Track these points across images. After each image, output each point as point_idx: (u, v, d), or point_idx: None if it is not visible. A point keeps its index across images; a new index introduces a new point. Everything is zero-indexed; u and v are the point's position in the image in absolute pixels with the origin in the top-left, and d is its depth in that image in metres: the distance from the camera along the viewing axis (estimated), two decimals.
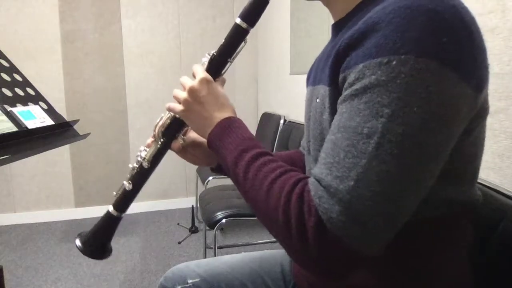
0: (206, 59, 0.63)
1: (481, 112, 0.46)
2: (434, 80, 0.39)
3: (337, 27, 0.59)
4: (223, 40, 0.62)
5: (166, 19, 2.85)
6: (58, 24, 2.65)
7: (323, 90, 0.53)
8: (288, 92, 2.39)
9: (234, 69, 3.04)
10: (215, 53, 0.62)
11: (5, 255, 2.24)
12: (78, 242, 0.68)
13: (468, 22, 0.42)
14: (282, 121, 2.33)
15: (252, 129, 2.96)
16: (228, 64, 0.63)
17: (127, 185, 0.67)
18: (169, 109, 0.64)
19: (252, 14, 0.60)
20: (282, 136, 2.24)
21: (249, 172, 0.50)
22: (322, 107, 0.54)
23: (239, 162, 0.52)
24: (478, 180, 0.69)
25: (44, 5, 2.61)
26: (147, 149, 0.68)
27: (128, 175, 0.68)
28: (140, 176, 0.68)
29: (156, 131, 0.67)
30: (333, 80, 0.48)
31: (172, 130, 0.67)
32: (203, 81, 0.59)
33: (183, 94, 0.60)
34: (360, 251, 0.40)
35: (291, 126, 2.16)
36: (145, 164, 0.66)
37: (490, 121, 0.82)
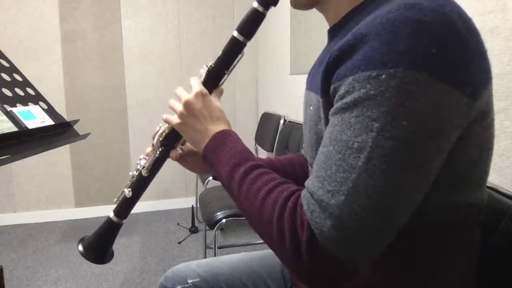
0: (204, 71, 0.64)
1: (481, 116, 0.46)
2: (423, 93, 0.39)
3: (332, 33, 0.60)
4: (221, 53, 0.63)
5: (166, 19, 2.85)
6: (58, 24, 2.65)
7: (316, 99, 0.54)
8: (288, 92, 2.39)
9: (234, 69, 3.04)
10: (212, 65, 0.64)
11: (5, 255, 2.24)
12: (80, 248, 0.70)
13: (461, 29, 0.41)
14: (282, 121, 2.33)
15: (252, 129, 2.96)
16: (226, 76, 0.65)
17: (127, 193, 0.69)
18: (166, 121, 0.65)
19: (249, 27, 0.61)
20: (282, 136, 2.24)
21: (243, 185, 0.51)
22: (316, 117, 0.54)
23: (234, 175, 0.53)
24: None
25: (44, 5, 2.61)
26: (147, 158, 0.69)
27: (128, 182, 0.70)
28: (140, 184, 0.69)
29: (155, 140, 0.68)
30: (325, 91, 0.48)
31: (170, 140, 0.68)
32: (198, 94, 0.60)
33: (179, 107, 0.61)
34: (351, 263, 0.41)
35: (291, 126, 2.16)
36: (144, 173, 0.68)
37: None
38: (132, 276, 1.99)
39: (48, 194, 2.78)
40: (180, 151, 0.69)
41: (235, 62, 0.64)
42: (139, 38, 2.82)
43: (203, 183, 2.30)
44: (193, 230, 2.52)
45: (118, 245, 2.33)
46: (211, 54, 2.93)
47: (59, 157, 2.75)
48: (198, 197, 2.14)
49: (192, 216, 2.52)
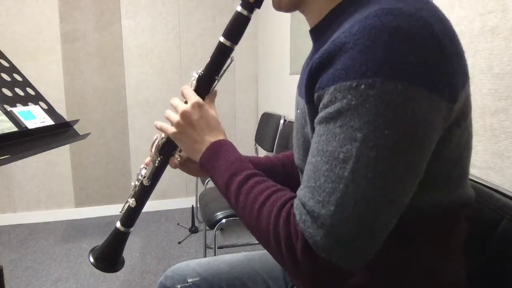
0: (194, 78, 0.65)
1: (460, 117, 0.47)
2: (402, 100, 0.39)
3: (314, 34, 0.60)
4: (209, 59, 0.64)
5: (166, 19, 2.85)
6: (58, 24, 2.65)
7: (302, 104, 0.55)
8: (288, 92, 2.39)
9: (234, 69, 3.04)
10: (202, 72, 0.65)
11: (5, 255, 2.24)
12: (91, 259, 0.71)
13: (438, 33, 0.42)
14: (282, 121, 2.33)
15: (252, 129, 2.96)
16: (216, 81, 0.65)
17: (131, 202, 0.70)
18: (161, 129, 0.66)
19: (235, 32, 0.62)
20: (282, 136, 2.24)
21: (240, 196, 0.53)
22: (303, 121, 0.56)
23: (230, 186, 0.54)
24: (478, 180, 0.69)
25: (44, 5, 2.61)
26: (146, 167, 0.70)
27: (132, 192, 0.71)
28: (142, 193, 0.70)
29: (153, 150, 0.69)
30: (309, 98, 0.49)
31: (168, 149, 0.69)
32: (195, 105, 0.61)
33: (176, 117, 0.62)
34: (346, 269, 0.42)
35: (291, 126, 2.16)
36: (146, 182, 0.69)
37: (490, 121, 0.82)
38: (132, 276, 1.99)
39: (48, 194, 2.78)
40: (179, 159, 0.70)
41: (224, 67, 0.65)
42: (139, 38, 2.82)
43: (203, 183, 2.30)
44: (193, 230, 2.52)
45: None
46: (211, 54, 2.92)
47: (59, 157, 2.75)
48: (198, 197, 2.14)
49: (192, 216, 2.52)
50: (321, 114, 0.45)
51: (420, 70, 0.40)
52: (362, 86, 0.40)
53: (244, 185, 0.53)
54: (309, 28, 0.61)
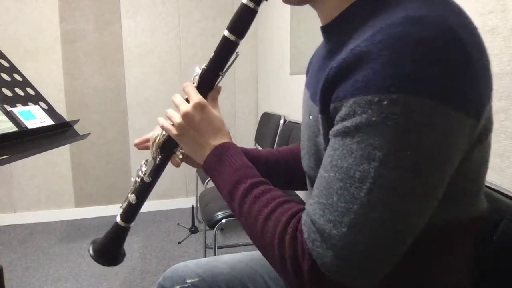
0: (197, 74, 0.62)
1: (484, 133, 0.44)
2: (427, 120, 0.37)
3: (327, 31, 0.56)
4: (213, 54, 0.60)
5: (166, 19, 2.85)
6: (58, 24, 2.65)
7: (316, 112, 0.51)
8: (288, 92, 2.39)
9: (234, 69, 3.04)
10: (205, 68, 0.61)
11: (5, 255, 2.24)
12: (91, 252, 0.71)
13: (467, 45, 0.38)
14: (282, 121, 2.33)
15: (252, 129, 2.96)
16: (220, 77, 0.62)
17: (132, 198, 0.69)
18: (163, 128, 0.63)
19: (240, 26, 0.58)
20: (282, 136, 2.24)
21: (244, 205, 0.50)
22: (316, 129, 0.53)
23: (234, 194, 0.52)
24: None
25: (44, 5, 2.61)
26: (147, 164, 0.69)
27: (132, 187, 0.70)
28: (143, 190, 0.69)
29: (154, 147, 0.66)
30: (325, 108, 0.46)
31: (168, 147, 0.67)
32: (197, 106, 0.57)
33: (177, 119, 0.58)
34: None
35: (291, 126, 2.16)
36: (146, 179, 0.68)
37: None
38: (132, 276, 1.99)
39: (48, 194, 2.78)
40: (181, 156, 0.68)
41: (229, 63, 0.61)
42: (139, 38, 2.82)
43: (203, 183, 2.30)
44: (193, 230, 2.52)
45: None
46: (211, 54, 2.92)
47: (59, 157, 2.75)
48: (198, 197, 2.14)
49: (192, 216, 2.52)
50: (337, 127, 0.42)
51: (447, 87, 0.37)
52: (385, 102, 0.37)
53: (248, 195, 0.50)
54: (321, 25, 0.57)
